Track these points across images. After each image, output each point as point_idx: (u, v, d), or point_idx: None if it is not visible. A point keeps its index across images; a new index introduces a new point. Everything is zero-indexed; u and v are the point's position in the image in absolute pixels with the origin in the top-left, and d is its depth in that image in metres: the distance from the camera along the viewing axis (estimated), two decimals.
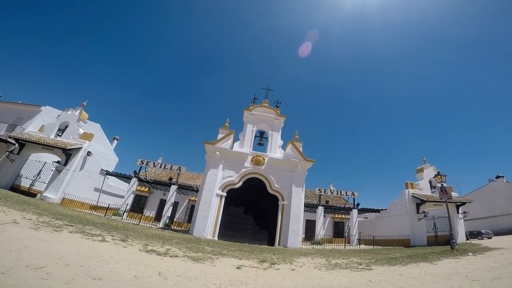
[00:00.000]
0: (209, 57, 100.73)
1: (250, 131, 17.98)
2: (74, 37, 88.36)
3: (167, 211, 19.16)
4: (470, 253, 9.23)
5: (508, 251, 9.32)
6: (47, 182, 17.35)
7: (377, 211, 22.89)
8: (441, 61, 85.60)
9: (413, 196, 18.46)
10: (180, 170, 21.08)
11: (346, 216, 24.82)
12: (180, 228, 19.02)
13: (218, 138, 16.74)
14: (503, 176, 26.44)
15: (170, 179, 23.11)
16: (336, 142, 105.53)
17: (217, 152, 16.05)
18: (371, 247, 16.54)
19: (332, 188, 24.67)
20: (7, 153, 17.18)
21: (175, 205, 23.67)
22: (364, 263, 7.71)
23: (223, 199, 15.56)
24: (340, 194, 22.52)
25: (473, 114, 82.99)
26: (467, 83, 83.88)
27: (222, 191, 15.65)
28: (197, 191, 21.35)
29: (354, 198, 21.97)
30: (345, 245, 17.49)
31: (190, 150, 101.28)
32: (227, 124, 17.79)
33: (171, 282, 3.95)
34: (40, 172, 18.26)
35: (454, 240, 11.17)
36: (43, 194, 16.47)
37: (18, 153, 17.43)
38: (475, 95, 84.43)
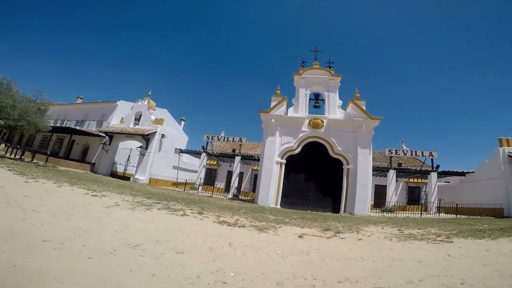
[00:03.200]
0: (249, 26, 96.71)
1: (303, 95, 17.36)
2: (131, 33, 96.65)
3: (234, 182, 20.73)
4: None
5: None
6: (135, 166, 20.71)
7: (462, 174, 19.71)
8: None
9: (509, 155, 15.25)
10: (241, 141, 22.14)
11: (423, 181, 22.11)
12: (246, 198, 20.40)
13: (272, 105, 16.78)
14: None
15: (234, 150, 24.58)
16: (406, 97, 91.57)
17: (273, 120, 16.16)
18: (453, 216, 14.67)
19: (404, 148, 22.27)
20: (102, 145, 21.04)
21: (240, 175, 25.17)
22: (444, 235, 6.98)
23: (283, 167, 15.88)
24: (415, 155, 19.99)
25: None
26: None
27: (282, 158, 15.92)
28: (258, 160, 22.24)
29: (432, 160, 19.15)
30: (421, 214, 15.64)
31: (248, 120, 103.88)
32: (278, 91, 17.58)
33: (240, 253, 4.39)
34: (129, 157, 21.87)
35: None
36: (135, 177, 19.82)
37: (109, 144, 21.13)
38: None
